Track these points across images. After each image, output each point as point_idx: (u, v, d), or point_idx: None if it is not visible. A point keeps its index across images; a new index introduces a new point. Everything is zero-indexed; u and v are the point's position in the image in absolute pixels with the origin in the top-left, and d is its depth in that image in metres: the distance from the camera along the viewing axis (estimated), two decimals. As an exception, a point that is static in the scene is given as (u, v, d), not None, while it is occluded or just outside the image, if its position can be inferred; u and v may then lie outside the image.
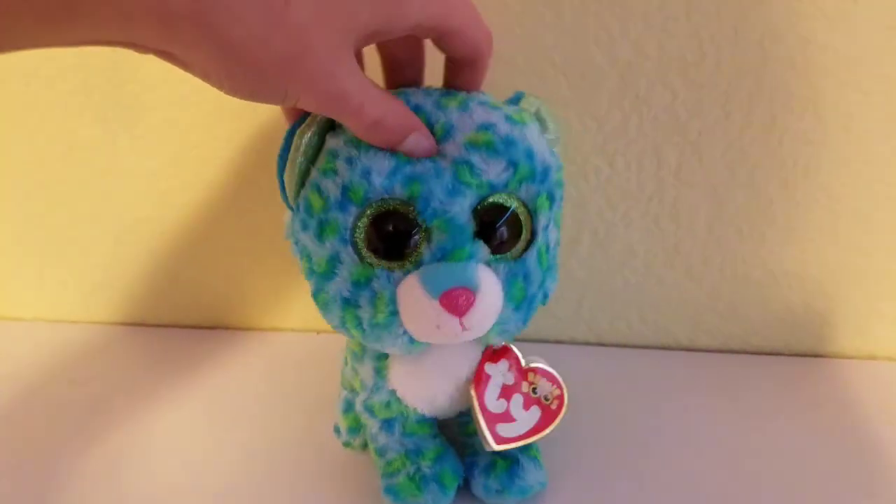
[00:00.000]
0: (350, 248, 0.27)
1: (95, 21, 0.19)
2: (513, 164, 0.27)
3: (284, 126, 0.30)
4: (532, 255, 0.28)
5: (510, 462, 0.31)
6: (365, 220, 0.27)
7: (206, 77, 0.22)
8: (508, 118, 0.28)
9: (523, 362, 0.31)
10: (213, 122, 0.43)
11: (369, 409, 0.32)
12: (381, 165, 0.26)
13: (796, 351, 0.44)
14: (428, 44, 0.29)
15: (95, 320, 0.51)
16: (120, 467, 0.36)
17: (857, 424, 0.37)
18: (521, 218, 0.28)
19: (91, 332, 0.50)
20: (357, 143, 0.27)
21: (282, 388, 0.42)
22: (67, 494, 0.34)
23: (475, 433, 0.32)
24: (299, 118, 0.28)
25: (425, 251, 0.26)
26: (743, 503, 0.32)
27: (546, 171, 0.28)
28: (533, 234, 0.28)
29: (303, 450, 0.36)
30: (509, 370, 0.31)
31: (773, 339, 0.44)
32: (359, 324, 0.27)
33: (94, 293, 0.50)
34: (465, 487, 0.32)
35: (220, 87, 0.23)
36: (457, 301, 0.25)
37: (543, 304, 0.30)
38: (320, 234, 0.27)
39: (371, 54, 0.31)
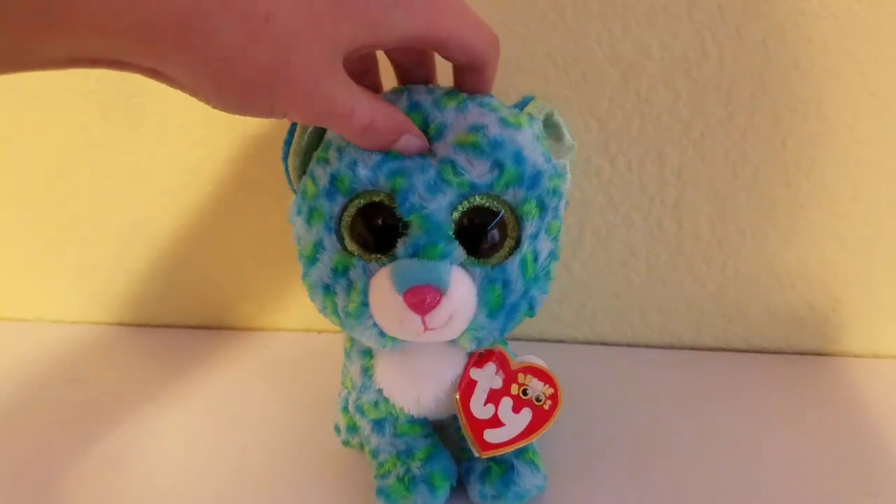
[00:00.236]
0: (333, 236, 0.27)
1: (74, 34, 0.19)
2: (498, 166, 0.26)
3: (286, 127, 0.30)
4: (514, 262, 0.27)
5: (505, 468, 0.31)
6: (350, 210, 0.27)
7: (194, 93, 0.22)
8: (502, 120, 0.27)
9: (512, 364, 0.31)
10: (216, 122, 0.43)
11: (360, 409, 0.32)
12: (367, 157, 0.27)
13: (799, 351, 0.44)
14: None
15: (96, 321, 0.51)
16: (120, 467, 0.36)
17: (861, 423, 0.37)
18: (507, 222, 0.27)
19: (92, 332, 0.50)
20: None
21: (282, 389, 0.42)
22: (68, 494, 0.34)
23: None
24: None
25: (400, 246, 0.26)
26: (748, 503, 0.32)
27: (536, 177, 0.27)
28: (518, 241, 0.27)
29: (304, 450, 0.36)
30: (496, 373, 0.30)
31: (777, 338, 0.44)
32: (335, 311, 0.28)
33: (96, 294, 0.50)
34: (462, 492, 0.32)
35: (208, 102, 0.23)
36: (422, 299, 0.25)
37: (530, 315, 0.29)
38: (309, 220, 0.28)
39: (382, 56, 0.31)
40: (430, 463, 0.31)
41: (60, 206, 0.47)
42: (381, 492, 0.31)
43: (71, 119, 0.44)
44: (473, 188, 0.26)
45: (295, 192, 0.30)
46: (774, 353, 0.45)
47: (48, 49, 0.19)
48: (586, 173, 0.41)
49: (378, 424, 0.32)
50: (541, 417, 0.30)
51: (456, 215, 0.27)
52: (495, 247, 0.27)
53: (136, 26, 0.19)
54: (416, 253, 0.26)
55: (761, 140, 0.39)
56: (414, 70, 0.30)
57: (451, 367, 0.31)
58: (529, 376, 0.30)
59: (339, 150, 0.27)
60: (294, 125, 0.29)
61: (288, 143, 0.29)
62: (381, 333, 0.27)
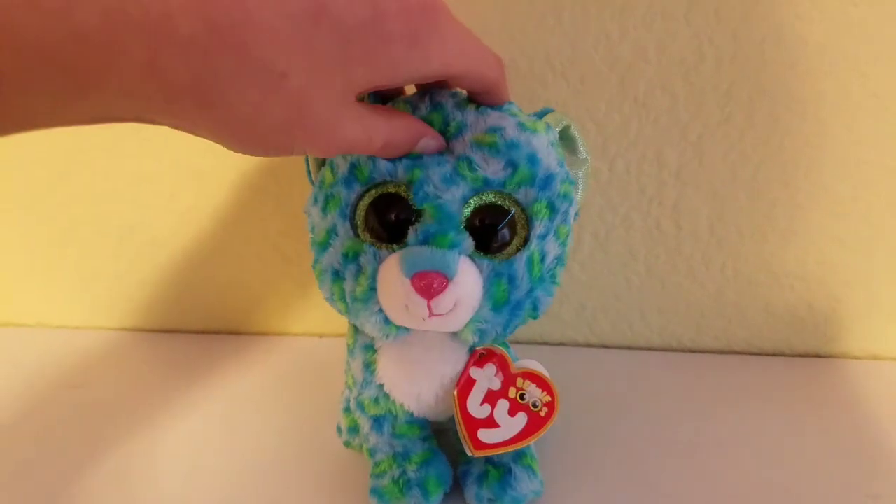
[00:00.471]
0: (347, 223, 0.28)
1: (102, 99, 0.20)
2: (512, 165, 0.27)
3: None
4: (521, 259, 0.28)
5: (502, 471, 0.31)
6: (365, 199, 0.28)
7: (215, 140, 0.23)
8: (520, 125, 0.28)
9: (513, 367, 0.31)
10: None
11: (361, 406, 0.32)
12: None
13: (800, 352, 0.44)
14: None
15: (99, 326, 0.51)
16: (127, 473, 0.36)
17: (861, 425, 0.37)
18: (517, 220, 0.28)
19: (95, 338, 0.50)
20: None
21: (287, 393, 0.42)
22: (74, 500, 0.34)
23: None
24: None
25: (411, 233, 0.27)
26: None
27: (549, 179, 0.28)
28: (526, 240, 0.28)
29: (308, 455, 0.36)
30: (496, 375, 0.31)
31: (777, 339, 0.44)
32: (342, 298, 0.28)
33: (97, 299, 0.50)
34: (459, 495, 0.32)
35: (230, 148, 0.23)
36: (429, 283, 0.25)
37: (534, 317, 0.29)
38: (325, 207, 0.29)
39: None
40: (427, 467, 0.32)
41: (62, 209, 0.47)
42: (375, 491, 0.31)
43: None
44: (487, 184, 0.27)
45: (313, 184, 0.31)
46: (774, 354, 0.45)
47: (76, 111, 0.20)
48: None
49: (377, 422, 0.32)
50: (535, 423, 0.30)
51: (468, 211, 0.27)
52: (504, 245, 0.28)
53: (158, 90, 0.20)
54: (426, 240, 0.26)
55: (759, 141, 0.39)
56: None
57: (451, 365, 0.31)
58: (528, 382, 0.31)
59: None
60: None
61: None
62: (386, 320, 0.28)
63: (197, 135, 0.23)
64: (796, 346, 0.44)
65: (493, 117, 0.28)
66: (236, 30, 0.20)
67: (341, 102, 0.23)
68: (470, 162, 0.27)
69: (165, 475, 0.36)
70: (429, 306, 0.26)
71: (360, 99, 0.25)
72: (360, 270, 0.27)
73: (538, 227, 0.28)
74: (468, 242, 0.27)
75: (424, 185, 0.27)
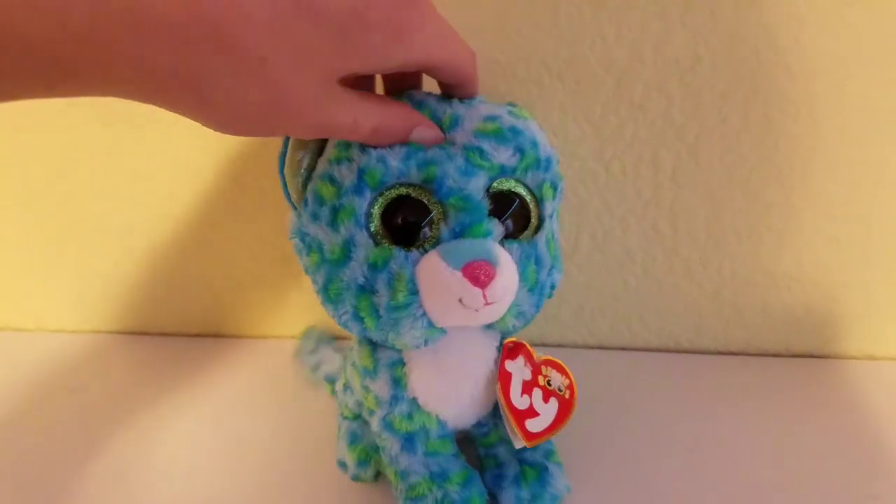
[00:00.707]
0: (365, 233, 0.27)
1: (87, 84, 0.21)
2: (520, 151, 0.28)
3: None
4: (541, 239, 0.29)
5: (539, 470, 0.32)
6: (380, 205, 0.27)
7: (194, 119, 0.23)
8: (511, 112, 0.30)
9: (536, 356, 0.31)
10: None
11: (389, 426, 0.31)
12: (394, 150, 0.27)
13: (797, 352, 0.45)
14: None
15: (95, 329, 0.51)
16: (120, 477, 0.36)
17: (859, 425, 0.37)
18: (530, 205, 0.29)
19: (93, 341, 0.50)
20: None
21: (281, 395, 0.42)
22: (73, 500, 0.34)
23: (496, 443, 0.33)
24: None
25: (444, 229, 0.27)
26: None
27: (549, 161, 0.30)
28: (541, 221, 0.29)
29: (304, 456, 0.37)
30: (525, 365, 0.31)
31: (774, 340, 0.45)
32: (374, 311, 0.27)
33: (94, 301, 0.50)
34: (492, 498, 0.32)
35: (210, 128, 0.24)
36: (479, 272, 0.26)
37: (550, 296, 0.30)
38: (334, 221, 0.27)
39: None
40: (469, 486, 0.31)
41: (59, 209, 0.47)
42: None
43: (69, 121, 0.44)
44: (502, 171, 0.28)
45: (294, 206, 0.30)
46: (772, 355, 0.45)
47: (62, 91, 0.21)
48: (582, 178, 0.41)
49: (409, 441, 0.31)
50: (565, 407, 0.30)
51: (487, 200, 0.27)
52: (524, 228, 0.29)
53: (140, 76, 0.21)
54: (461, 233, 0.26)
55: (755, 143, 0.40)
56: (405, 78, 0.31)
57: (484, 363, 0.31)
58: (550, 368, 0.31)
59: (362, 149, 0.27)
60: (287, 138, 0.29)
61: (283, 155, 0.29)
62: (430, 324, 0.27)
63: (178, 113, 0.23)
64: (794, 347, 0.44)
65: (483, 107, 0.29)
66: (217, 18, 0.20)
67: (323, 85, 0.23)
68: (481, 151, 0.27)
69: (161, 477, 0.36)
70: (484, 295, 0.26)
71: None
72: (393, 277, 0.26)
73: (548, 208, 0.29)
74: (499, 229, 0.27)
75: (445, 180, 0.27)
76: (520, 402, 0.30)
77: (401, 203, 0.27)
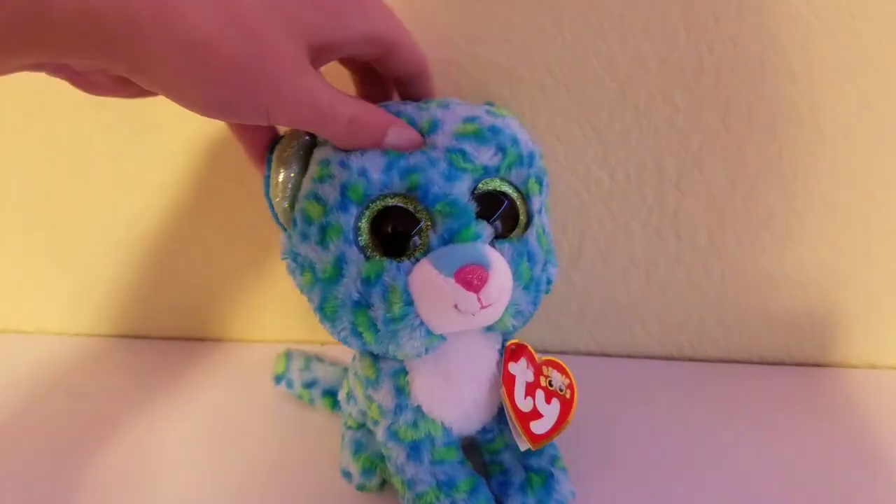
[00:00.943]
0: (355, 248, 0.27)
1: (49, 49, 0.20)
2: (501, 149, 0.28)
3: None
4: (532, 235, 0.29)
5: (544, 476, 0.31)
6: (367, 219, 0.27)
7: (178, 92, 0.23)
8: (489, 112, 0.30)
9: (537, 357, 0.32)
10: (202, 139, 0.43)
11: (394, 435, 0.31)
12: (375, 162, 0.27)
13: (799, 360, 0.45)
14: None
15: (87, 333, 0.51)
16: (120, 480, 0.36)
17: (861, 434, 0.37)
18: (517, 202, 0.29)
19: (81, 344, 0.49)
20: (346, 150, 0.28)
21: (276, 398, 0.42)
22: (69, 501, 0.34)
23: (501, 449, 0.33)
24: (272, 140, 0.29)
25: (433, 237, 0.27)
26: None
27: (532, 156, 0.30)
28: (529, 217, 0.29)
29: (309, 468, 0.36)
30: (528, 367, 0.31)
31: (776, 347, 0.45)
32: (371, 325, 0.27)
33: (83, 305, 0.50)
34: None
35: (193, 100, 0.23)
36: (472, 276, 0.26)
37: (547, 291, 0.30)
38: (323, 239, 0.27)
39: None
40: (476, 494, 0.30)
41: (47, 212, 0.47)
42: None
43: (64, 127, 0.44)
44: (486, 172, 0.28)
45: (283, 227, 0.29)
46: (773, 363, 0.45)
47: (19, 61, 0.21)
48: (585, 184, 0.41)
49: (415, 449, 0.31)
50: (566, 407, 0.30)
51: (474, 201, 0.27)
52: (513, 227, 0.29)
53: (118, 7, 0.20)
54: (451, 238, 0.27)
55: (758, 150, 0.40)
56: (375, 90, 0.32)
57: (486, 366, 0.31)
58: (551, 368, 0.31)
59: (343, 163, 0.27)
60: (270, 159, 0.29)
61: (268, 178, 0.29)
62: (429, 332, 0.27)
63: (159, 87, 0.23)
64: (795, 355, 0.44)
65: (460, 109, 0.29)
66: (162, 10, 0.21)
67: (296, 50, 0.24)
68: (464, 153, 0.27)
69: (157, 479, 0.36)
70: (479, 299, 0.26)
71: None
72: (387, 289, 0.26)
73: (535, 203, 0.30)
74: (488, 231, 0.27)
75: (430, 186, 0.27)
76: (524, 404, 0.30)
77: (387, 214, 0.27)
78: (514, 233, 0.29)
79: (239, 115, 0.25)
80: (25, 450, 0.38)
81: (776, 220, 0.41)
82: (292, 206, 0.29)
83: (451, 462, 0.31)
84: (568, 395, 0.30)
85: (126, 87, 0.25)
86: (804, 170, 0.40)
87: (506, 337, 0.32)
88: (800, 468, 0.35)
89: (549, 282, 0.30)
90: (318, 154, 0.28)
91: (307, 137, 0.29)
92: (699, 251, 0.42)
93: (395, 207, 0.27)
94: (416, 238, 0.27)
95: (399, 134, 0.27)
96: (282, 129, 0.30)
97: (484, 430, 0.33)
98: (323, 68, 0.28)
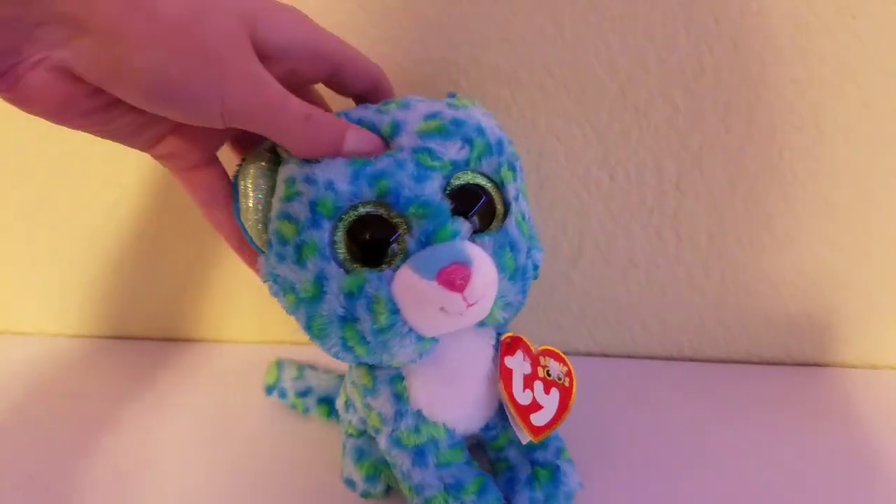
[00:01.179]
0: (333, 263, 0.26)
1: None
2: (468, 141, 0.28)
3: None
4: (511, 223, 0.28)
5: (551, 469, 0.31)
6: (341, 231, 0.26)
7: (118, 68, 0.22)
8: (450, 105, 0.29)
9: (533, 348, 0.31)
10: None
11: (397, 442, 0.30)
12: (341, 173, 0.26)
13: (799, 360, 0.45)
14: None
15: (71, 334, 0.51)
16: (99, 480, 0.36)
17: (861, 434, 0.37)
18: (493, 193, 0.28)
19: (65, 345, 0.49)
20: (310, 161, 0.27)
21: (251, 399, 0.42)
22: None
23: (506, 445, 0.33)
24: (236, 167, 0.29)
25: (410, 242, 0.26)
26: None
27: (500, 143, 0.29)
28: (506, 206, 0.29)
29: (303, 464, 0.36)
30: (524, 359, 0.31)
31: (776, 348, 0.45)
32: (361, 338, 0.27)
33: (65, 306, 0.50)
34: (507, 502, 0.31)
35: (137, 78, 0.23)
36: (454, 276, 0.25)
37: (535, 277, 0.30)
38: (300, 258, 0.27)
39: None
40: (484, 494, 0.30)
41: (24, 214, 0.47)
42: None
43: (47, 138, 0.44)
44: (456, 167, 0.27)
45: (261, 250, 0.29)
46: (774, 363, 0.45)
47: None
48: (586, 184, 0.41)
49: (419, 454, 0.30)
50: (566, 395, 0.30)
51: (448, 198, 0.27)
52: (491, 218, 0.28)
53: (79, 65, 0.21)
54: (428, 240, 0.26)
55: (758, 151, 0.40)
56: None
57: (483, 363, 0.31)
58: (548, 358, 0.31)
59: (308, 180, 0.26)
60: (236, 184, 0.28)
61: (236, 201, 0.28)
62: (419, 338, 0.27)
63: (103, 81, 0.23)
64: (795, 355, 0.45)
65: (420, 106, 0.28)
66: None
67: (242, 40, 0.24)
68: (430, 152, 0.27)
69: (143, 478, 0.36)
70: (464, 298, 0.25)
71: None
72: (371, 301, 0.26)
73: (511, 191, 0.29)
74: (466, 227, 0.27)
75: (401, 190, 0.26)
76: (522, 397, 0.30)
77: (362, 224, 0.26)
78: (493, 224, 0.28)
79: (187, 106, 0.23)
80: (7, 451, 0.38)
81: (776, 221, 0.41)
82: (265, 227, 0.28)
83: (457, 464, 0.31)
84: (567, 384, 0.30)
85: (68, 92, 0.23)
86: (804, 170, 0.40)
87: (499, 331, 0.31)
88: (800, 467, 0.35)
89: (535, 267, 0.30)
90: (283, 172, 0.28)
91: (269, 155, 0.28)
92: (699, 251, 0.42)
93: (368, 216, 0.26)
94: (394, 245, 0.26)
95: (359, 138, 0.27)
96: (233, 161, 0.29)
97: (487, 428, 0.32)
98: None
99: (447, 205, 0.27)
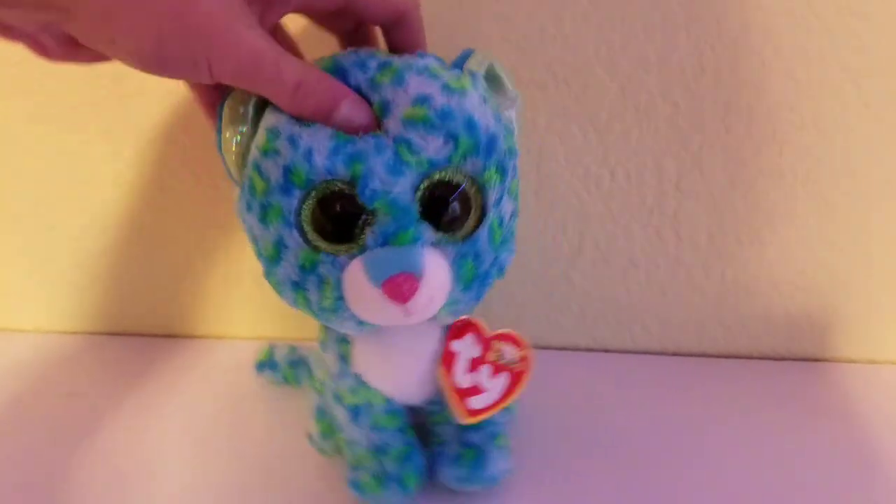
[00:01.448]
0: (295, 233, 0.26)
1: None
2: (452, 138, 0.25)
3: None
4: (483, 233, 0.27)
5: (476, 452, 0.32)
6: (310, 203, 0.26)
7: (110, 42, 0.23)
8: (446, 87, 0.26)
9: (487, 332, 0.32)
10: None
11: (338, 397, 0.32)
12: (322, 145, 0.25)
13: (799, 358, 0.45)
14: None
15: (63, 330, 0.50)
16: (113, 473, 0.36)
17: (861, 429, 0.37)
18: (470, 194, 0.27)
19: (58, 342, 0.49)
20: (299, 120, 0.26)
21: (242, 395, 0.42)
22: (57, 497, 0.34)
23: (443, 422, 0.33)
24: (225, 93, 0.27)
25: (369, 235, 0.25)
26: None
27: (492, 142, 0.27)
28: (483, 211, 0.27)
29: (300, 461, 0.36)
30: (475, 343, 0.31)
31: (776, 346, 0.45)
32: (309, 305, 0.27)
33: (59, 303, 0.50)
34: (433, 475, 0.33)
35: (128, 50, 0.23)
36: (400, 288, 0.25)
37: (500, 277, 0.29)
38: (264, 218, 0.26)
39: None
40: (405, 462, 0.32)
41: (17, 209, 0.47)
42: (353, 483, 0.32)
43: (74, 133, 0.44)
44: (433, 165, 0.26)
45: (236, 182, 0.28)
46: (774, 359, 0.45)
47: None
48: (585, 184, 0.41)
49: (355, 412, 0.32)
50: (516, 379, 0.31)
51: (419, 194, 0.26)
52: (464, 220, 0.27)
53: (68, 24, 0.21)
54: (386, 241, 0.25)
55: (758, 151, 0.40)
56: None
57: (428, 343, 0.31)
58: (502, 342, 0.32)
59: (291, 140, 0.25)
60: (221, 110, 0.27)
61: (219, 130, 0.27)
62: (359, 322, 0.27)
63: (96, 41, 0.23)
64: (796, 354, 0.45)
65: (413, 85, 0.26)
66: None
67: (232, 11, 0.23)
68: (409, 144, 0.25)
69: (138, 476, 0.36)
70: (405, 309, 0.25)
71: None
72: (322, 281, 0.26)
73: (492, 195, 0.27)
74: (429, 233, 0.26)
75: (370, 181, 0.25)
76: (463, 380, 0.30)
77: (333, 199, 0.26)
78: (464, 230, 0.27)
79: (177, 70, 0.24)
80: (4, 449, 0.38)
81: (776, 220, 0.41)
82: (242, 164, 0.27)
83: (389, 429, 0.32)
84: (520, 368, 0.31)
85: (76, 50, 0.24)
86: (804, 171, 0.40)
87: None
88: (800, 463, 0.35)
89: (500, 270, 0.29)
90: (269, 118, 0.26)
91: (257, 99, 0.27)
92: (699, 251, 0.42)
93: (340, 193, 0.25)
94: (359, 224, 0.26)
95: (352, 110, 0.25)
96: None
97: (431, 402, 0.33)
98: (304, 32, 0.27)
99: (415, 208, 0.25)
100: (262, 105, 0.27)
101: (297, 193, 0.25)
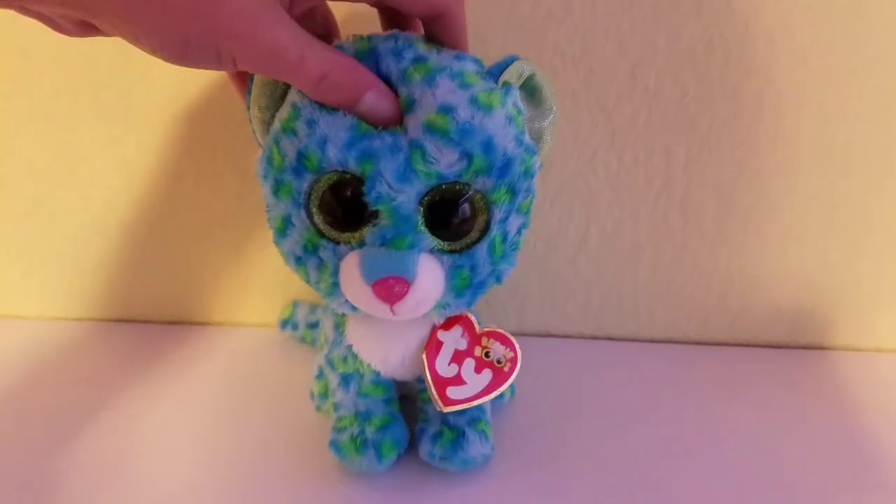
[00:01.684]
0: (303, 213, 0.27)
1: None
2: (466, 156, 0.25)
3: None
4: (482, 247, 0.27)
5: (456, 433, 0.32)
6: (320, 185, 0.26)
7: (134, 39, 0.23)
8: (473, 100, 0.26)
9: (477, 327, 0.32)
10: (187, 123, 0.43)
11: (330, 363, 0.34)
12: (338, 136, 0.25)
13: (803, 345, 0.45)
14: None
15: (66, 317, 0.50)
16: (98, 464, 0.35)
17: (864, 415, 0.37)
18: (476, 206, 0.27)
19: (61, 328, 0.48)
20: (321, 105, 0.26)
21: (251, 382, 0.41)
22: (54, 488, 0.33)
23: (429, 400, 0.33)
24: None
25: (369, 232, 0.26)
26: (749, 496, 0.32)
27: (507, 165, 0.26)
28: (487, 226, 0.27)
29: (303, 445, 0.36)
30: (462, 336, 0.32)
31: (781, 333, 0.44)
32: (309, 281, 0.29)
33: (63, 289, 0.49)
34: (414, 451, 0.33)
35: (151, 46, 0.23)
36: (390, 290, 0.26)
37: (498, 283, 0.30)
38: (276, 192, 0.27)
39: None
40: (384, 431, 0.32)
41: (27, 196, 0.46)
42: (333, 444, 0.32)
43: (76, 120, 0.44)
44: (441, 179, 0.25)
45: (260, 146, 0.29)
46: (778, 347, 0.45)
47: None
48: (593, 167, 0.41)
49: (344, 379, 0.33)
50: (499, 378, 0.32)
51: (424, 201, 0.26)
52: (466, 231, 0.27)
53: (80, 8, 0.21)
54: (384, 242, 0.26)
55: (766, 137, 0.40)
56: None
57: (418, 329, 0.32)
58: (492, 340, 0.32)
59: (309, 124, 0.26)
60: (251, 82, 0.28)
61: (249, 92, 0.28)
62: (353, 307, 0.28)
63: (113, 32, 0.23)
64: (800, 341, 0.44)
65: (441, 90, 0.25)
66: None
67: (257, 3, 0.22)
68: (423, 152, 0.25)
69: (143, 463, 0.35)
70: (392, 310, 0.26)
71: None
72: (321, 263, 0.27)
73: (498, 214, 0.27)
74: (427, 241, 0.26)
75: (377, 183, 0.25)
76: (445, 370, 0.31)
77: (344, 186, 0.26)
78: (464, 241, 0.27)
79: (202, 63, 0.23)
80: (10, 438, 0.37)
81: (783, 208, 0.41)
82: (266, 132, 0.28)
83: (375, 398, 0.33)
84: (506, 368, 0.32)
85: (93, 30, 0.24)
86: (811, 158, 0.40)
87: None
88: (803, 448, 0.35)
89: (498, 280, 0.29)
90: (294, 94, 0.27)
91: None
92: (705, 238, 0.42)
93: (350, 181, 0.26)
94: (363, 215, 0.26)
95: (377, 101, 0.25)
96: None
97: (419, 380, 0.33)
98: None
99: (417, 218, 0.26)
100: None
101: (308, 177, 0.26)
